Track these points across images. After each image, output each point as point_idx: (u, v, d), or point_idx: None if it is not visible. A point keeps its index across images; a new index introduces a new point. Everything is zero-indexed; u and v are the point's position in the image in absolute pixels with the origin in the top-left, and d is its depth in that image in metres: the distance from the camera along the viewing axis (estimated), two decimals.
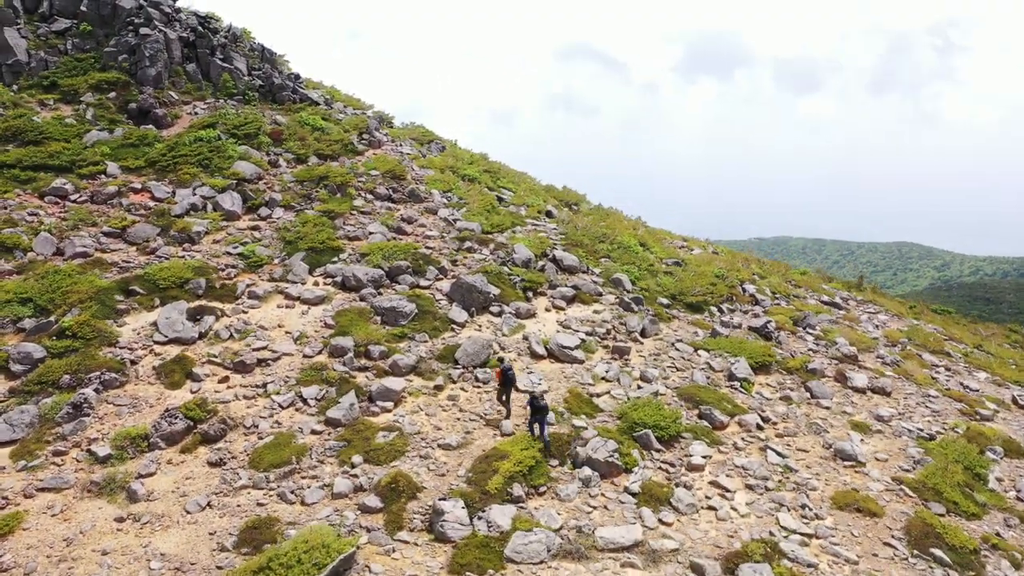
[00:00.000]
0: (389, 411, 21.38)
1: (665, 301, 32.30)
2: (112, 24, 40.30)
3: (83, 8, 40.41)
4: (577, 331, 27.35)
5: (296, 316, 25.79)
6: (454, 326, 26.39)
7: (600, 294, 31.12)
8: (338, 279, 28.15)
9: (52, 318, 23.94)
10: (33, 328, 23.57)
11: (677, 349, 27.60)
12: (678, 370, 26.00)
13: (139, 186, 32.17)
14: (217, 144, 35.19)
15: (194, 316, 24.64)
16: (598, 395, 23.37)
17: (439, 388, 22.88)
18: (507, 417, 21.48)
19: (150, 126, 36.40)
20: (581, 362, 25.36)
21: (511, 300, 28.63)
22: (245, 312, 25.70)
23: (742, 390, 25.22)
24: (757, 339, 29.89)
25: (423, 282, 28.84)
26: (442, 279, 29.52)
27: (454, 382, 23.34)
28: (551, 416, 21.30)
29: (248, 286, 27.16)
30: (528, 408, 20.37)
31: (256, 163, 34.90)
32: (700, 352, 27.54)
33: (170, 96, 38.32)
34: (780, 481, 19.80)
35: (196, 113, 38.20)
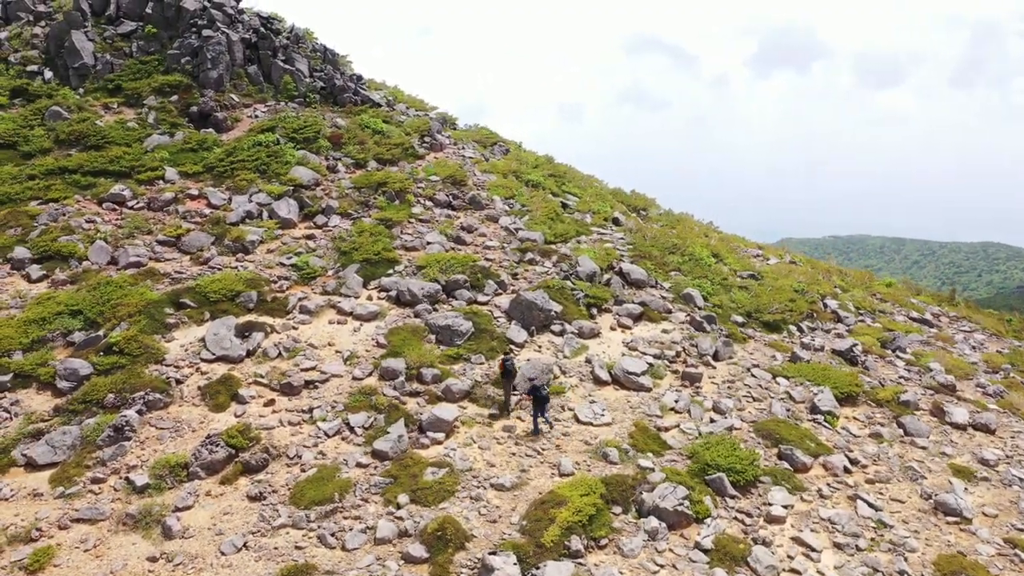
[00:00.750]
0: (440, 443, 19.96)
1: (740, 319, 30.08)
2: (176, 26, 40.07)
3: (148, 10, 40.30)
4: (644, 354, 25.47)
5: (347, 333, 24.64)
6: (512, 347, 24.83)
7: (669, 311, 29.12)
8: (393, 293, 26.92)
9: (101, 332, 23.36)
10: (82, 342, 23.01)
11: (753, 375, 25.44)
12: (754, 400, 23.87)
13: (196, 192, 31.62)
14: (275, 149, 34.44)
15: (243, 332, 23.72)
16: (666, 429, 21.49)
17: (494, 417, 21.36)
18: (506, 407, 21.63)
19: (210, 130, 35.94)
20: (648, 390, 23.50)
21: (574, 318, 26.92)
22: (295, 328, 24.68)
23: (826, 424, 22.94)
24: (841, 364, 27.45)
25: (481, 297, 27.38)
26: (501, 294, 27.99)
27: (511, 410, 21.79)
28: (614, 453, 19.60)
29: (300, 300, 26.16)
30: (531, 398, 20.71)
31: (314, 168, 34.02)
32: (779, 379, 25.31)
33: (231, 99, 37.82)
34: (873, 539, 17.61)
35: (256, 116, 37.61)
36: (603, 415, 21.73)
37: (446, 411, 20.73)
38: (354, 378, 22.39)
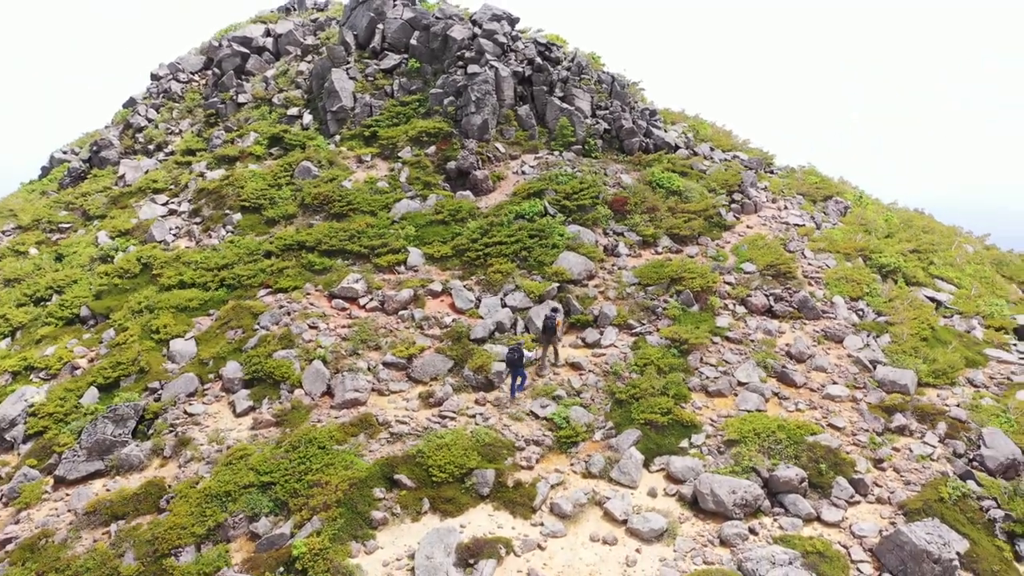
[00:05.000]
0: None
1: None
2: (442, 59, 34.20)
3: (413, 41, 34.82)
4: None
5: (616, 567, 16.23)
6: None
7: None
8: (687, 490, 18.01)
9: (287, 528, 17.30)
10: (264, 541, 17.10)
11: None
12: None
13: (439, 287, 25.09)
14: (541, 224, 26.98)
15: (466, 559, 16.29)
16: None
17: None
18: (512, 396, 20.97)
19: (467, 193, 29.44)
20: None
21: (990, 569, 16.09)
22: (540, 548, 16.75)
23: None
24: None
25: (827, 511, 17.47)
26: (859, 503, 17.85)
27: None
28: None
29: (552, 488, 18.27)
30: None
31: (587, 253, 25.97)
32: None
33: (495, 149, 31.02)
34: None
35: (523, 172, 30.43)
36: None
37: None
38: None
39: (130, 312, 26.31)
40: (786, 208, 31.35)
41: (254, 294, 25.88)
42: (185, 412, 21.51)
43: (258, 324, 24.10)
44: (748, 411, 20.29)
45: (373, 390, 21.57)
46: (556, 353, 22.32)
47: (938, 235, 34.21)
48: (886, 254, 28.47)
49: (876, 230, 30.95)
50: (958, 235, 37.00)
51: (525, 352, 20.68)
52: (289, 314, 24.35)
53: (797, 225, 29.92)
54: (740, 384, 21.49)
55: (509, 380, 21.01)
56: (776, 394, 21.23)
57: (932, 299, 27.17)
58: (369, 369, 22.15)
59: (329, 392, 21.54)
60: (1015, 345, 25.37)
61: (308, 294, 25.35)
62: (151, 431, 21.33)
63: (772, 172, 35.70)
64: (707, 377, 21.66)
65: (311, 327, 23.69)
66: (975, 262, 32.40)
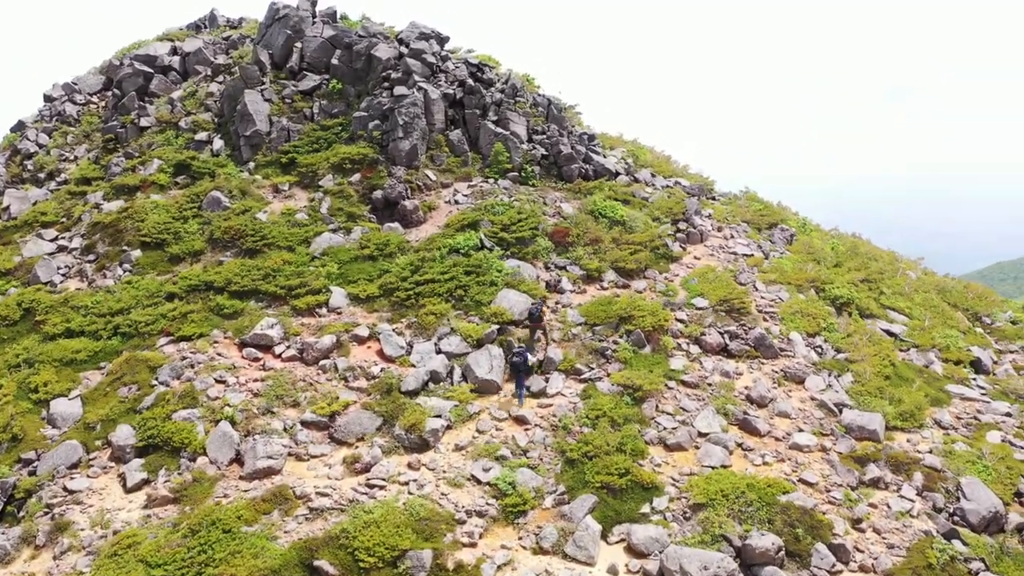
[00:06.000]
0: None
1: None
2: (366, 80, 31.74)
3: (335, 60, 32.30)
4: None
5: None
6: None
7: None
8: (652, 564, 15.86)
9: None
10: None
11: None
12: None
13: (365, 331, 22.48)
14: (477, 259, 24.72)
15: None
16: None
17: None
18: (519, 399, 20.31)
19: (395, 225, 26.99)
20: None
21: None
22: None
23: None
24: None
25: None
26: (841, 571, 16.03)
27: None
28: None
29: (499, 569, 15.87)
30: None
31: (529, 291, 23.79)
32: None
33: (426, 177, 28.69)
34: None
35: (456, 201, 28.17)
36: None
37: None
38: None
39: (6, 367, 22.88)
40: (732, 237, 29.93)
41: (153, 343, 22.78)
42: (65, 488, 18.34)
43: (156, 379, 21.04)
44: (712, 467, 18.38)
45: (290, 455, 18.82)
46: (547, 337, 22.43)
47: (883, 262, 33.45)
48: (838, 285, 27.24)
49: (825, 259, 29.81)
50: (899, 261, 36.44)
51: (528, 356, 20.81)
52: (193, 366, 21.36)
53: (746, 255, 28.46)
54: (701, 435, 19.56)
55: (515, 385, 20.78)
56: (740, 445, 19.38)
57: (887, 332, 26.03)
58: (285, 430, 19.39)
59: (238, 459, 18.67)
60: (975, 379, 24.35)
61: (216, 342, 22.39)
62: (22, 513, 18.09)
63: (714, 199, 34.38)
64: (665, 428, 19.68)
65: (218, 381, 20.76)
66: (921, 290, 31.63)
